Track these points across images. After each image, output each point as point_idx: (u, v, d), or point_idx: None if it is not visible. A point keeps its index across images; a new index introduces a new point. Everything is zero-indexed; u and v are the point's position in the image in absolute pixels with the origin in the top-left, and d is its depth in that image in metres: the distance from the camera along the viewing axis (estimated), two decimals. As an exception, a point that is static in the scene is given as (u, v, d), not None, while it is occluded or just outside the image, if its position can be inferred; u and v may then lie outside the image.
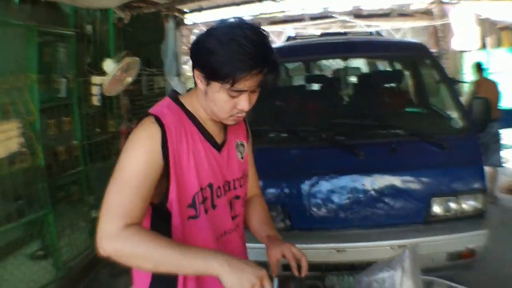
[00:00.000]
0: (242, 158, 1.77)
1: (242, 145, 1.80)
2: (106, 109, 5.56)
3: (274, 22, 11.11)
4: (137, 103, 6.19)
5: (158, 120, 1.48)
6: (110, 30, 5.32)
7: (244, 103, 1.49)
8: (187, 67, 8.57)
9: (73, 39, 4.70)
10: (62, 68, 4.81)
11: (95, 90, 5.08)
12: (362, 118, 3.93)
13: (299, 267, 1.70)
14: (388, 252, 3.11)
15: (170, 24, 6.94)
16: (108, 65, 4.82)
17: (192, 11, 7.82)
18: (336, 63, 5.44)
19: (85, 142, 5.09)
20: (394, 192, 3.38)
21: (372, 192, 3.38)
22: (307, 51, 4.74)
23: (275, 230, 1.85)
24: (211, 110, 1.56)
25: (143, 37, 6.56)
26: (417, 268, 1.47)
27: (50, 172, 4.53)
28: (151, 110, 1.55)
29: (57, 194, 4.78)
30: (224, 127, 1.69)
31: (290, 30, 10.59)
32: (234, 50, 1.40)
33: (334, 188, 3.41)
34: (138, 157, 1.43)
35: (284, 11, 9.43)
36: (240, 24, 1.46)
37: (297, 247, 1.70)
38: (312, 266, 3.20)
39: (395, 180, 3.39)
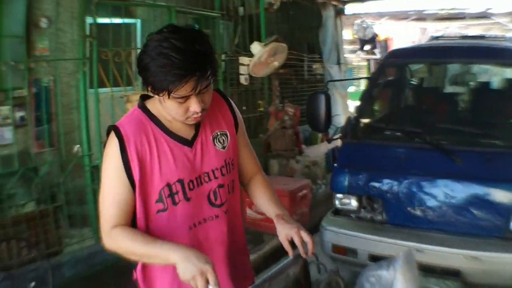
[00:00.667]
0: (223, 148, 1.79)
1: (224, 134, 1.81)
2: (255, 89, 5.98)
3: (439, 18, 10.40)
4: (289, 86, 6.48)
5: (117, 131, 1.63)
6: (261, 15, 5.69)
7: (194, 105, 1.56)
8: (351, 56, 8.56)
9: (218, 20, 5.19)
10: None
11: (243, 69, 5.56)
12: (467, 125, 3.87)
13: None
14: (461, 261, 3.13)
15: (328, 13, 7.07)
16: (255, 47, 5.23)
17: (353, 0, 7.78)
18: (458, 67, 5.08)
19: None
20: (479, 202, 3.32)
21: (459, 199, 3.36)
22: (427, 54, 4.68)
23: (282, 207, 1.88)
24: (170, 115, 1.65)
25: (300, 22, 6.82)
26: (412, 271, 1.55)
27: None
28: (120, 123, 1.70)
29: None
30: (196, 126, 1.74)
31: (453, 28, 9.82)
32: (164, 64, 1.47)
33: (426, 190, 3.46)
34: (109, 174, 1.64)
35: (447, 9, 8.75)
36: (168, 36, 1.50)
37: (304, 230, 1.72)
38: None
39: (482, 190, 3.32)
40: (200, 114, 1.59)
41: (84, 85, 4.06)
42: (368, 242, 3.43)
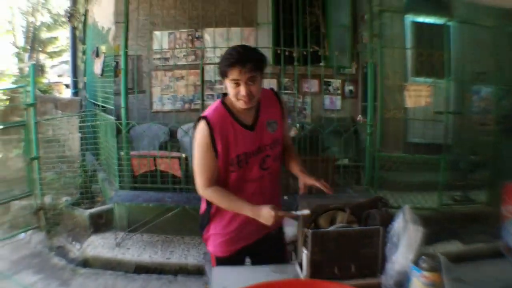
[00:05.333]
0: (273, 131, 2.55)
1: (274, 122, 2.56)
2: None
3: None
4: None
5: (207, 120, 2.39)
6: None
7: (242, 90, 2.32)
8: None
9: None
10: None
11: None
12: None
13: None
14: None
15: None
16: None
17: None
18: None
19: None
20: None
21: None
22: None
23: (303, 166, 2.65)
24: (230, 96, 2.40)
25: None
26: (412, 218, 2.00)
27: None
28: (203, 113, 2.45)
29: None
30: (255, 113, 2.50)
31: None
32: (226, 57, 2.31)
33: None
34: (201, 149, 2.41)
35: None
36: (237, 47, 2.37)
37: (319, 181, 2.45)
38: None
39: None
40: (247, 99, 2.35)
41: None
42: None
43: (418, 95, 5.50)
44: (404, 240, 1.91)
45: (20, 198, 5.57)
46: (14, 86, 6.58)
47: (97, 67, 6.25)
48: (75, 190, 6.20)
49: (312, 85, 6.90)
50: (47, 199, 5.76)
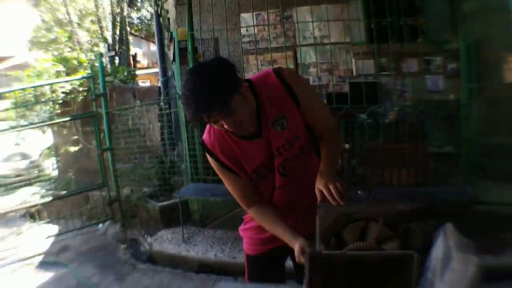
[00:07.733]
0: (282, 129, 2.06)
1: (282, 118, 2.05)
2: None
3: None
4: None
5: (204, 145, 2.12)
6: None
7: (225, 126, 1.87)
8: None
9: None
10: None
11: None
12: None
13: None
14: None
15: None
16: None
17: None
18: None
19: None
20: None
21: None
22: None
23: (330, 163, 2.07)
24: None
25: None
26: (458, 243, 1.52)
27: None
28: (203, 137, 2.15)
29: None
30: (257, 119, 2.04)
31: None
32: (185, 103, 1.85)
33: None
34: (220, 175, 2.15)
35: None
36: (195, 83, 1.83)
37: (335, 183, 1.86)
38: None
39: None
40: (236, 129, 1.93)
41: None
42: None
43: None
44: (444, 277, 1.36)
45: (92, 189, 5.58)
46: (79, 77, 6.31)
47: (171, 52, 6.05)
48: (157, 181, 6.08)
49: (411, 65, 6.18)
50: (126, 191, 5.71)
